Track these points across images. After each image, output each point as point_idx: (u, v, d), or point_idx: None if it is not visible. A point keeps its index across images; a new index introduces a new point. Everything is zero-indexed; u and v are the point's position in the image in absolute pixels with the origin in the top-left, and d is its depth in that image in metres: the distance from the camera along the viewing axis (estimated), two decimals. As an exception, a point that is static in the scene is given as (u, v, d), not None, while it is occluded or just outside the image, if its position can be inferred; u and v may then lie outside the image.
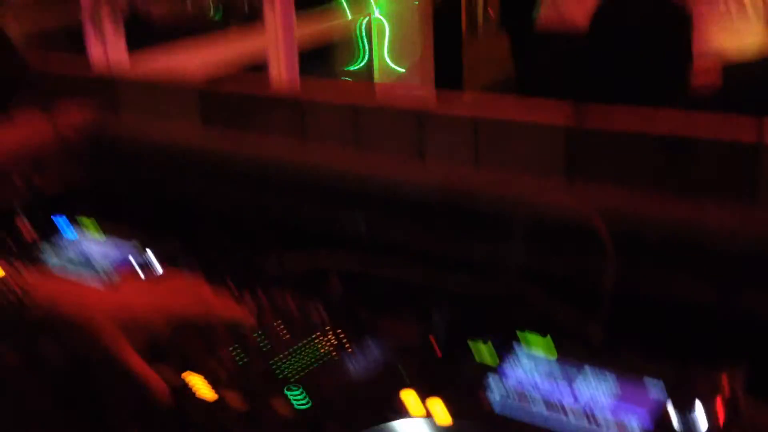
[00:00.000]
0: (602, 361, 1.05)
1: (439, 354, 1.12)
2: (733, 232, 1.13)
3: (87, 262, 1.43)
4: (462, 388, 1.04)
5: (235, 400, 1.02)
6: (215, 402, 1.02)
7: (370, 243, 1.46)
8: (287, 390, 1.04)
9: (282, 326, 1.20)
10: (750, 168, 1.15)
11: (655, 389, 1.00)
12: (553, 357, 1.07)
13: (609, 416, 0.97)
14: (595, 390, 1.01)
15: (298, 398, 1.03)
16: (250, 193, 1.60)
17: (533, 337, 1.11)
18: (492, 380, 1.05)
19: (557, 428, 0.96)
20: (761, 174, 1.14)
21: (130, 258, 1.41)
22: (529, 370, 1.06)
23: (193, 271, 1.33)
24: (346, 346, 1.15)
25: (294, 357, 1.13)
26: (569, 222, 1.22)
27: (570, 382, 1.03)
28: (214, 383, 1.05)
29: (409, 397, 1.01)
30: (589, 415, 0.98)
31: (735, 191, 1.16)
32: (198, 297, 1.12)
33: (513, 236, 1.29)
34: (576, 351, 1.08)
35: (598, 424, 0.96)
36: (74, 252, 1.46)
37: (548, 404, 1.00)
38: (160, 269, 1.38)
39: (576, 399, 1.00)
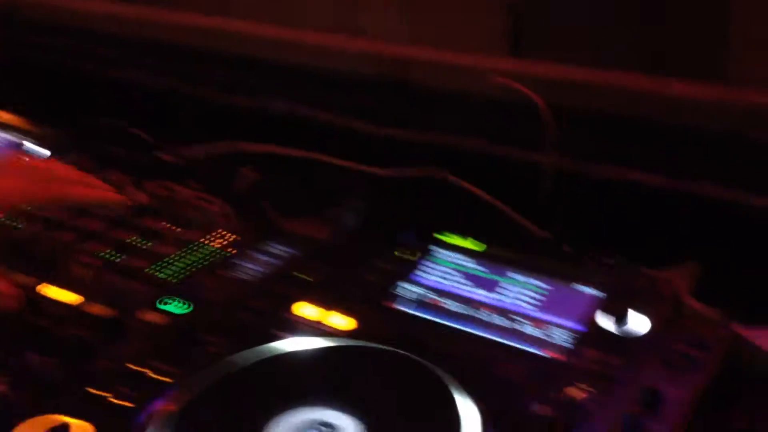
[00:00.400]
0: (533, 260, 0.91)
1: (347, 252, 0.97)
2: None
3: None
4: (372, 287, 0.89)
5: (98, 306, 0.87)
6: (77, 307, 0.87)
7: (291, 129, 1.30)
8: (166, 296, 0.89)
9: (172, 222, 1.04)
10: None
11: (589, 291, 0.86)
12: (477, 257, 0.93)
13: (534, 318, 0.84)
14: (522, 291, 0.87)
15: (177, 303, 0.88)
16: (158, 75, 1.42)
17: (456, 235, 0.96)
18: (406, 279, 0.90)
19: (474, 329, 0.83)
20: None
21: (15, 142, 1.26)
22: (449, 269, 0.92)
23: (81, 158, 1.17)
24: (245, 247, 1.00)
25: (181, 257, 0.98)
26: (508, 100, 1.07)
27: (494, 282, 0.89)
28: (76, 287, 0.90)
29: (305, 307, 0.86)
30: (512, 316, 0.84)
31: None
32: (68, 182, 0.96)
33: (445, 117, 1.13)
34: (503, 250, 0.93)
35: (520, 326, 0.83)
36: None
37: (466, 303, 0.86)
38: (45, 155, 1.22)
39: (498, 299, 0.87)
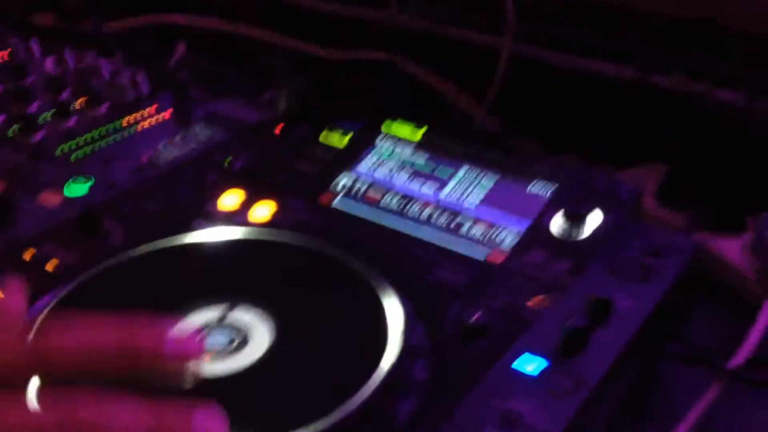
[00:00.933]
0: (481, 154, 0.82)
1: (278, 134, 0.87)
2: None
3: None
4: (303, 178, 0.80)
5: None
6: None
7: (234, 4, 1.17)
8: (70, 177, 0.79)
9: (86, 97, 0.93)
10: None
11: (539, 190, 0.77)
12: (421, 148, 0.83)
13: (476, 217, 0.75)
14: (466, 188, 0.78)
15: (79, 185, 0.78)
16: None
17: (401, 123, 0.86)
18: (342, 170, 0.81)
19: (410, 229, 0.74)
20: None
21: None
22: (389, 161, 0.82)
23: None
24: (165, 129, 0.89)
25: (93, 136, 0.87)
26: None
27: (437, 177, 0.80)
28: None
29: (226, 196, 0.76)
30: (453, 215, 0.75)
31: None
32: None
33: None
34: (450, 142, 0.83)
35: (461, 226, 0.74)
36: None
37: (405, 199, 0.77)
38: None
39: (440, 196, 0.78)
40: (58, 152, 0.84)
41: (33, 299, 0.61)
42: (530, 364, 0.58)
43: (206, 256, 0.67)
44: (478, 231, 0.74)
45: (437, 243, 0.72)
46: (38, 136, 0.86)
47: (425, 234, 0.74)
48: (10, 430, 0.38)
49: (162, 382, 0.42)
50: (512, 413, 0.54)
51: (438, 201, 0.77)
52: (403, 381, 0.55)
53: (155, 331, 0.42)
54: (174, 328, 0.43)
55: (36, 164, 0.82)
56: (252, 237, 0.68)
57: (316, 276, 0.64)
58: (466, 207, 0.76)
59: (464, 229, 0.74)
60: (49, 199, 0.76)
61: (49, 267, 0.67)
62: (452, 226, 0.74)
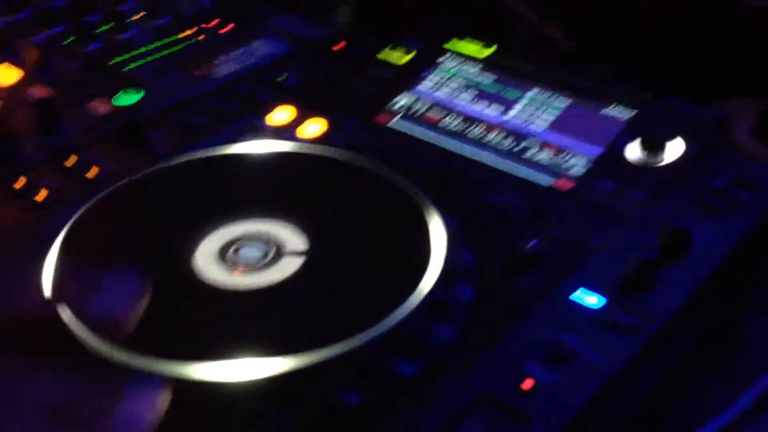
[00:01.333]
0: (553, 75, 0.75)
1: (337, 55, 0.82)
2: None
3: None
4: (360, 96, 0.75)
5: (39, 87, 0.75)
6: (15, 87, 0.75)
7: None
8: (122, 88, 0.76)
9: (143, 9, 0.90)
10: None
11: (616, 114, 0.70)
12: (488, 68, 0.77)
13: (546, 141, 0.69)
14: (535, 110, 0.72)
15: (130, 94, 0.75)
16: None
17: (468, 41, 0.80)
18: (402, 90, 0.75)
19: (470, 151, 0.68)
20: None
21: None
22: (454, 81, 0.76)
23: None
24: (222, 43, 0.85)
25: (150, 48, 0.84)
26: None
27: (503, 98, 0.74)
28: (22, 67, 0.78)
29: (276, 112, 0.72)
30: (519, 138, 0.69)
31: None
32: None
33: None
34: (519, 60, 0.77)
35: (527, 150, 0.68)
36: None
37: (468, 121, 0.71)
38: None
39: (506, 118, 0.71)
40: (112, 63, 0.82)
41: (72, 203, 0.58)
42: (590, 297, 0.53)
43: (247, 168, 0.63)
44: (545, 156, 0.67)
45: (498, 167, 0.67)
46: (94, 46, 0.84)
47: (486, 157, 0.68)
48: None
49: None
50: (564, 348, 0.49)
51: (503, 123, 0.71)
52: (444, 304, 0.50)
53: None
54: None
55: (88, 74, 0.79)
56: (296, 150, 0.64)
57: (360, 193, 0.60)
58: (534, 131, 0.70)
59: (529, 154, 0.68)
60: (98, 107, 0.74)
61: (90, 174, 0.65)
62: (516, 150, 0.68)
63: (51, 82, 0.77)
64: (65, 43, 0.85)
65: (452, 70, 0.77)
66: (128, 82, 0.77)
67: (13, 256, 0.55)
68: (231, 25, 0.89)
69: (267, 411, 0.43)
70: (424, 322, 0.48)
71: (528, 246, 0.56)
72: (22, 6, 0.89)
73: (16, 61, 0.80)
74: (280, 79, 0.78)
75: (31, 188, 0.63)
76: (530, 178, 0.65)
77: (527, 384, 0.46)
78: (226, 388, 0.43)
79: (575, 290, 0.53)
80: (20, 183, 0.63)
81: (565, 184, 0.65)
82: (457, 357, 0.48)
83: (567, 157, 0.67)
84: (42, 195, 0.62)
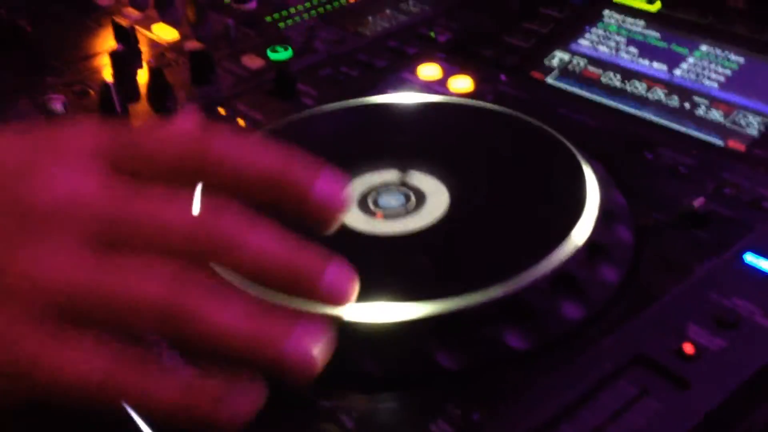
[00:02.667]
0: (722, 28, 0.68)
1: (494, 11, 0.79)
2: None
3: None
4: (516, 52, 0.72)
5: (194, 42, 0.76)
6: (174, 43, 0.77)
7: None
8: (278, 44, 0.76)
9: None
10: None
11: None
12: (652, 21, 0.71)
13: (716, 98, 0.63)
14: (704, 65, 0.66)
15: (281, 49, 0.75)
16: None
17: (634, -6, 0.74)
18: (562, 46, 0.71)
19: (635, 108, 0.63)
20: None
21: None
22: (616, 35, 0.71)
23: None
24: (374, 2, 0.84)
25: (302, 6, 0.84)
26: None
27: (669, 52, 0.68)
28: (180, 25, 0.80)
29: (427, 67, 0.70)
30: (687, 95, 0.63)
31: None
32: None
33: None
34: (686, 12, 0.71)
35: (696, 107, 0.62)
36: None
37: (632, 77, 0.66)
38: None
39: (673, 73, 0.66)
40: (268, 19, 0.82)
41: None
42: (762, 261, 0.47)
43: (393, 118, 0.61)
44: (717, 114, 0.61)
45: (664, 123, 0.62)
46: (252, 4, 0.85)
47: (651, 114, 0.63)
48: (165, 226, 0.35)
49: (304, 222, 0.37)
50: (730, 313, 0.44)
51: (671, 80, 0.66)
52: (604, 246, 0.46)
53: (309, 172, 0.37)
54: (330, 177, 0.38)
55: (244, 29, 0.80)
56: (444, 101, 0.61)
57: (511, 143, 0.57)
58: (704, 88, 0.64)
59: (700, 111, 0.62)
60: (251, 61, 0.74)
61: (241, 122, 0.65)
62: (686, 107, 0.63)
63: (207, 37, 0.79)
64: (225, 1, 0.86)
65: (614, 25, 0.72)
66: (281, 38, 0.78)
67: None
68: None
69: (431, 352, 0.42)
70: (587, 263, 0.45)
71: (695, 203, 0.51)
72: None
73: (175, 19, 0.83)
74: (431, 34, 0.76)
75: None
76: (698, 137, 0.60)
77: (688, 348, 0.42)
78: (391, 328, 0.42)
79: (746, 253, 0.48)
80: (174, 129, 0.65)
81: (737, 145, 0.59)
82: (617, 309, 0.44)
83: (740, 117, 0.61)
84: (193, 140, 0.63)
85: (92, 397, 0.33)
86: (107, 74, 0.72)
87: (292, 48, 0.76)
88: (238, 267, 0.36)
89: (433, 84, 0.68)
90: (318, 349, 0.34)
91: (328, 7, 0.85)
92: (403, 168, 0.54)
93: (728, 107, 0.62)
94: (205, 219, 0.36)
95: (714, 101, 0.62)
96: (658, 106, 0.63)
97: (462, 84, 0.68)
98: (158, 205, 0.36)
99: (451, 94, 0.66)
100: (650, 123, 0.62)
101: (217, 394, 0.33)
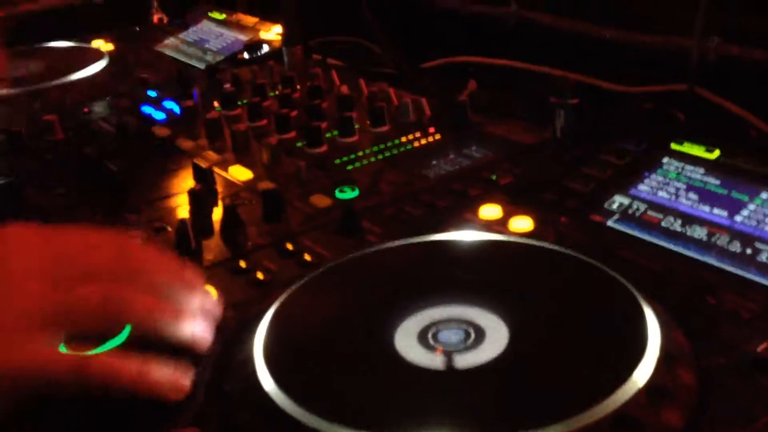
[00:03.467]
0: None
1: (555, 157, 0.82)
2: None
3: None
4: (576, 196, 0.73)
5: (266, 182, 0.81)
6: (247, 182, 0.81)
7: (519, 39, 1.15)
8: (346, 185, 0.80)
9: (374, 119, 0.95)
10: None
11: None
12: (713, 169, 0.73)
13: (779, 244, 0.63)
14: (766, 216, 0.66)
15: (349, 190, 0.79)
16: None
17: (691, 144, 0.76)
18: (621, 191, 0.73)
19: (697, 253, 0.64)
20: None
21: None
22: (676, 181, 0.73)
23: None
24: (441, 147, 0.88)
25: (374, 151, 0.88)
26: None
27: (730, 199, 0.69)
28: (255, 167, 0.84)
29: (488, 208, 0.72)
30: (749, 242, 0.64)
31: None
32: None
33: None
34: (746, 161, 0.72)
35: (759, 254, 0.62)
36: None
37: (693, 222, 0.67)
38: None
39: (734, 220, 0.66)
40: (337, 161, 0.87)
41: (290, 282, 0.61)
42: (835, 409, 0.46)
43: (454, 255, 0.63)
44: (778, 259, 0.61)
45: (727, 268, 0.62)
46: (322, 148, 0.90)
47: (713, 259, 0.63)
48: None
49: None
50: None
51: (732, 226, 0.66)
52: (666, 388, 0.46)
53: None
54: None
55: (315, 170, 0.85)
56: (503, 240, 0.63)
57: (569, 281, 0.57)
58: (767, 234, 0.64)
59: (762, 257, 0.62)
60: (319, 200, 0.78)
61: (307, 257, 0.68)
62: (748, 252, 0.63)
63: (279, 178, 0.83)
64: (298, 144, 0.91)
65: (674, 172, 0.74)
66: (348, 180, 0.81)
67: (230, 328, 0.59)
68: (446, 133, 0.92)
69: None
70: (648, 406, 0.44)
71: (758, 349, 0.50)
72: (260, 114, 0.98)
73: (251, 162, 0.88)
74: (493, 176, 0.79)
75: (254, 268, 0.67)
76: (761, 282, 0.60)
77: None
78: None
79: (816, 401, 0.46)
80: (244, 263, 0.68)
81: (803, 290, 0.58)
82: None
83: (805, 262, 0.60)
84: (261, 274, 0.66)
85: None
86: (184, 212, 0.76)
87: (358, 188, 0.79)
88: None
89: (494, 224, 0.70)
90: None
91: (394, 151, 0.89)
92: (462, 304, 0.55)
93: (792, 254, 0.61)
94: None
95: (777, 247, 0.62)
96: (720, 252, 0.64)
97: (522, 224, 0.69)
98: None
99: (512, 235, 0.68)
100: (712, 268, 0.62)
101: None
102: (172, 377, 0.49)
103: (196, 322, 0.53)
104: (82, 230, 0.54)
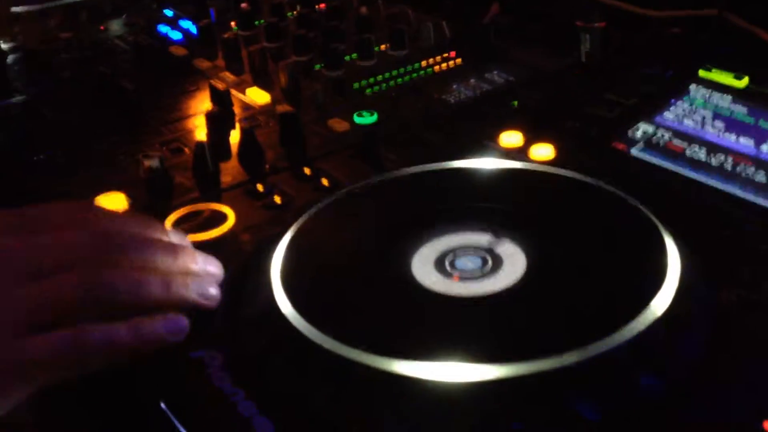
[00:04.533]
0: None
1: (579, 83, 0.80)
2: None
3: None
4: (601, 123, 0.72)
5: (284, 105, 0.80)
6: (265, 105, 0.80)
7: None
8: (364, 109, 0.79)
9: (394, 41, 0.93)
10: None
11: None
12: (742, 97, 0.71)
13: (806, 175, 0.61)
14: (797, 141, 0.65)
15: (366, 114, 0.78)
16: None
17: (720, 71, 0.74)
18: (646, 119, 0.71)
19: (721, 183, 0.63)
20: None
21: None
22: (704, 110, 0.71)
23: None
24: (462, 71, 0.87)
25: (393, 74, 0.87)
26: None
27: (758, 128, 0.67)
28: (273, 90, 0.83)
29: (509, 135, 0.71)
30: (774, 171, 0.63)
31: None
32: None
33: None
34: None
35: (783, 185, 0.61)
36: None
37: (718, 151, 0.66)
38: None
39: (762, 150, 0.65)
40: (355, 86, 0.85)
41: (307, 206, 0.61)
42: None
43: (474, 183, 0.62)
44: (805, 191, 0.60)
45: (750, 199, 0.61)
46: (340, 71, 0.88)
47: (737, 189, 0.62)
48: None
49: None
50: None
51: (758, 155, 0.65)
52: (685, 317, 0.46)
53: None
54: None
55: (332, 95, 0.83)
56: (524, 167, 0.62)
57: (589, 210, 0.57)
58: (794, 164, 0.63)
59: (788, 186, 0.61)
60: (338, 125, 0.77)
61: (325, 182, 0.67)
62: (773, 182, 0.62)
63: (297, 101, 0.82)
64: (315, 68, 0.90)
65: (701, 99, 0.72)
66: (367, 104, 0.80)
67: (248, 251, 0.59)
68: (468, 57, 0.90)
69: (501, 415, 0.42)
70: (666, 335, 0.44)
71: (779, 282, 0.50)
72: (278, 35, 0.96)
73: (268, 84, 0.87)
74: (514, 103, 0.77)
75: (272, 191, 0.66)
76: (786, 214, 0.59)
77: (769, 426, 0.40)
78: (460, 389, 0.42)
79: (835, 335, 0.46)
80: (261, 187, 0.67)
81: (829, 223, 0.57)
82: (700, 381, 0.43)
83: (833, 194, 0.59)
84: (278, 198, 0.65)
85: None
86: (202, 134, 0.76)
87: (377, 113, 0.78)
88: None
89: (515, 151, 0.69)
90: None
91: (414, 75, 0.87)
92: (496, 233, 0.55)
93: (819, 185, 0.60)
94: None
95: (804, 178, 0.61)
96: (745, 182, 0.62)
97: (544, 152, 0.68)
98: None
99: (533, 162, 0.67)
100: (736, 198, 0.61)
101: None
102: (167, 323, 0.48)
103: (193, 282, 0.50)
104: (48, 214, 0.50)
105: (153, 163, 0.68)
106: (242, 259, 0.58)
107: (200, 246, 0.55)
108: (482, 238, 0.55)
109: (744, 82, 0.72)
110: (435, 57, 0.91)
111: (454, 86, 0.84)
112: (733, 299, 0.49)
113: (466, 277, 0.52)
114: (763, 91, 0.71)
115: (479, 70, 0.87)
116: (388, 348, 0.44)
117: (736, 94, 0.71)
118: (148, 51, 0.96)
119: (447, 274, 0.52)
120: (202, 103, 0.84)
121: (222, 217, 0.63)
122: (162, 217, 0.63)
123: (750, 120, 0.68)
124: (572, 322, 0.46)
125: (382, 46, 0.94)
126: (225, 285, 0.53)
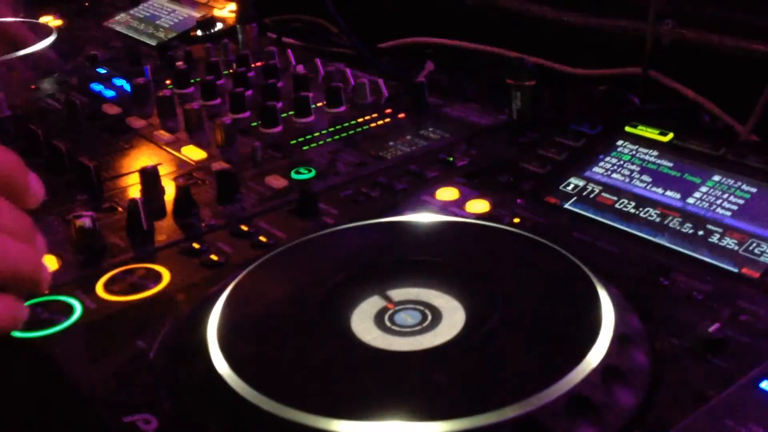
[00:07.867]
0: (734, 159, 0.70)
1: (510, 139, 0.82)
2: None
3: None
4: (531, 178, 0.73)
5: (221, 162, 0.79)
6: (202, 161, 0.79)
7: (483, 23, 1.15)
8: (302, 165, 0.79)
9: (330, 98, 0.94)
10: None
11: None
12: (665, 151, 0.74)
13: (729, 226, 0.64)
14: (716, 194, 0.67)
15: (305, 171, 0.78)
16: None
17: (646, 127, 0.77)
18: (576, 173, 0.73)
19: (649, 234, 0.64)
20: None
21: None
22: (630, 163, 0.73)
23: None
24: (397, 129, 0.88)
25: (330, 132, 0.87)
26: None
27: (682, 181, 0.70)
28: (210, 148, 0.82)
29: (445, 191, 0.72)
30: (700, 223, 0.65)
31: None
32: None
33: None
34: (698, 144, 0.73)
35: (710, 235, 0.63)
36: None
37: (645, 204, 0.68)
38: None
39: (685, 202, 0.67)
40: (293, 142, 0.86)
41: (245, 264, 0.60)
42: (782, 388, 0.47)
43: (411, 236, 0.62)
44: (730, 242, 0.62)
45: (679, 250, 0.62)
46: (277, 128, 0.89)
47: (666, 240, 0.64)
48: None
49: None
50: (752, 439, 0.43)
51: (684, 208, 0.67)
52: (620, 369, 0.46)
53: None
54: None
55: (270, 152, 0.83)
56: (462, 222, 0.63)
57: (524, 263, 0.58)
58: (718, 216, 0.65)
59: (714, 239, 0.63)
60: (275, 182, 0.77)
61: (262, 239, 0.67)
62: (699, 234, 0.64)
63: (234, 159, 0.82)
64: (253, 124, 0.90)
65: (628, 154, 0.75)
66: (305, 161, 0.80)
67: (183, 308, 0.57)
68: (404, 114, 0.92)
69: None
70: (602, 386, 0.45)
71: (710, 329, 0.51)
72: (214, 93, 0.96)
73: (205, 142, 0.86)
74: (450, 158, 0.79)
75: (208, 249, 0.66)
76: (713, 263, 0.60)
77: (707, 475, 0.41)
78: None
79: (762, 380, 0.47)
80: (198, 244, 0.66)
81: (751, 272, 0.59)
82: (636, 430, 0.44)
83: (753, 245, 0.62)
84: (215, 256, 0.65)
85: None
86: (136, 192, 0.74)
87: (315, 170, 0.78)
88: None
89: (451, 205, 0.70)
90: None
91: (351, 132, 0.88)
92: (419, 286, 0.55)
93: (742, 235, 0.63)
94: None
95: (728, 229, 0.63)
96: (673, 233, 0.64)
97: (479, 207, 0.69)
98: None
99: (469, 216, 0.68)
100: (665, 249, 0.63)
101: None
102: (6, 308, 0.42)
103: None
104: None
105: (84, 223, 0.66)
106: (178, 319, 0.57)
107: (134, 306, 0.54)
108: (422, 293, 0.55)
109: (669, 137, 0.75)
110: (372, 114, 0.92)
111: (391, 143, 0.85)
112: (666, 347, 0.50)
113: (405, 332, 0.52)
114: (687, 145, 0.73)
115: (415, 127, 0.88)
116: (328, 408, 0.43)
117: (662, 149, 0.74)
118: (80, 109, 0.94)
119: (387, 330, 0.52)
120: (136, 161, 0.83)
121: (157, 276, 0.62)
122: (94, 279, 0.61)
123: (676, 173, 0.71)
124: (510, 375, 0.46)
125: (319, 104, 0.95)
126: (160, 345, 0.52)
